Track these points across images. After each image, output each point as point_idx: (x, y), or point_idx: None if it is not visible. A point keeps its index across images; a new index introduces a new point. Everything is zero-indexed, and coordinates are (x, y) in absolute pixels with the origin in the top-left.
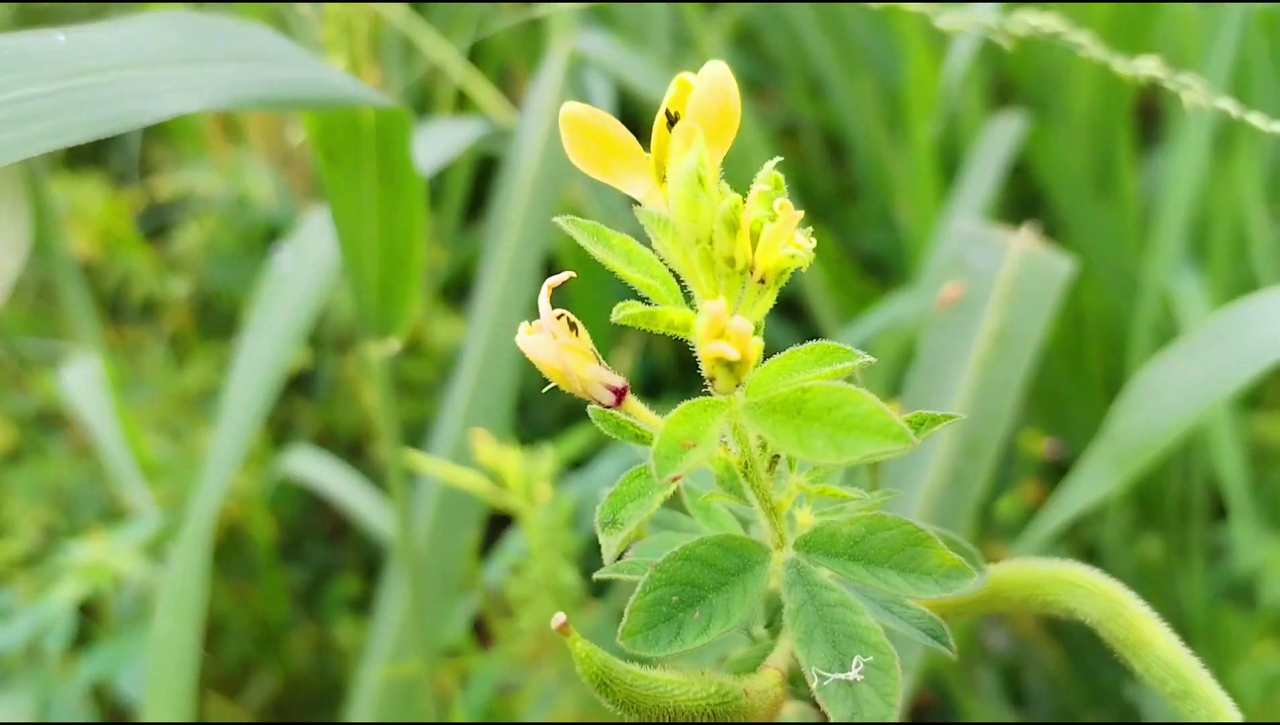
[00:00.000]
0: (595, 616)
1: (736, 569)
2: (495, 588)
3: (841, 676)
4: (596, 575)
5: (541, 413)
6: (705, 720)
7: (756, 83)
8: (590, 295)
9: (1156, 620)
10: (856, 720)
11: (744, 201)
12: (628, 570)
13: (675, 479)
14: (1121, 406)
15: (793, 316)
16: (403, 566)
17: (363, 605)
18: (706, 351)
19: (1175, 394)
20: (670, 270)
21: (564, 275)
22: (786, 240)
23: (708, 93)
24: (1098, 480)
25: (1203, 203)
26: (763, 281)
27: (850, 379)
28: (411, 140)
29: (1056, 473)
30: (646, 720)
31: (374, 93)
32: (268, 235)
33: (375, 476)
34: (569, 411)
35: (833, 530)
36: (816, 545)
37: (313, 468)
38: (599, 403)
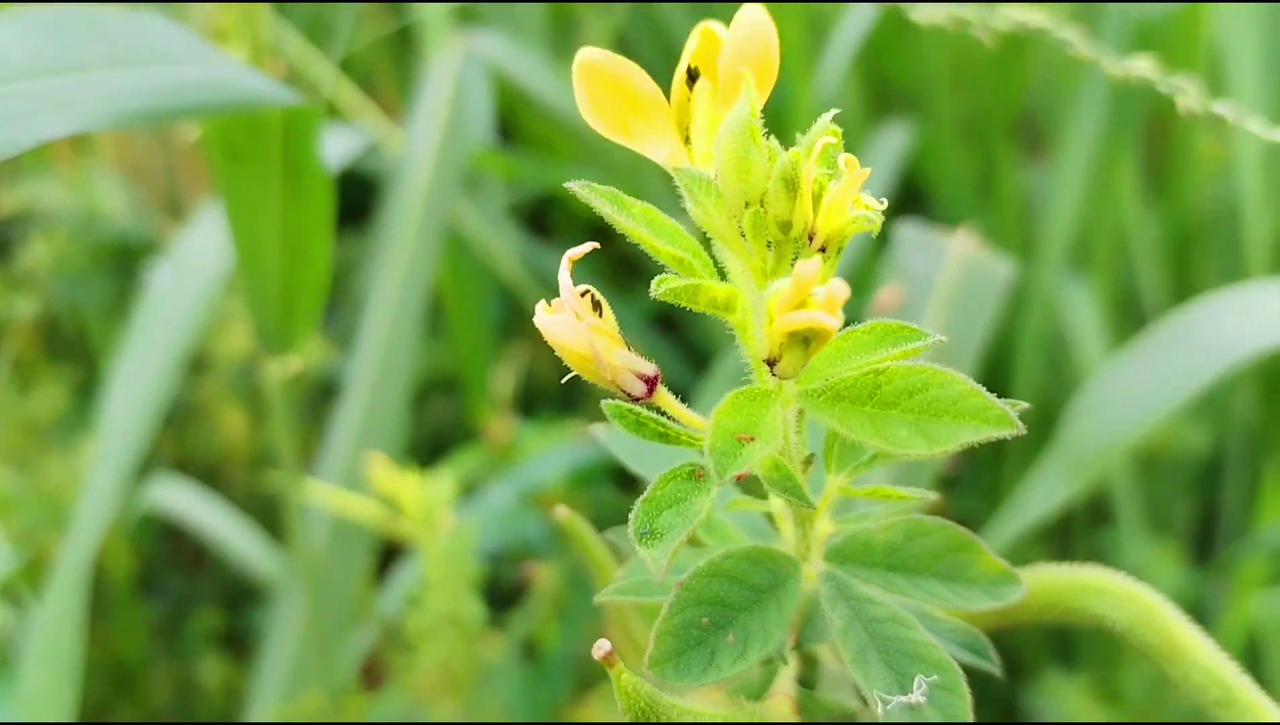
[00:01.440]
0: (497, 650)
1: (768, 585)
2: (389, 620)
3: (905, 700)
4: (597, 599)
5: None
6: None
7: None
8: (467, 307)
9: (1191, 626)
10: None
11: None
12: (631, 592)
13: (740, 477)
14: (1073, 413)
15: (671, 331)
16: (293, 600)
17: (227, 640)
18: (781, 325)
19: (1130, 400)
20: (697, 241)
21: (586, 246)
22: (853, 201)
23: (748, 37)
24: (1053, 489)
25: (1086, 210)
26: (823, 249)
27: None
28: (321, 139)
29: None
30: None
31: (284, 90)
32: (120, 252)
33: (237, 504)
34: (436, 436)
35: (867, 538)
36: (850, 555)
37: (173, 497)
38: (627, 394)
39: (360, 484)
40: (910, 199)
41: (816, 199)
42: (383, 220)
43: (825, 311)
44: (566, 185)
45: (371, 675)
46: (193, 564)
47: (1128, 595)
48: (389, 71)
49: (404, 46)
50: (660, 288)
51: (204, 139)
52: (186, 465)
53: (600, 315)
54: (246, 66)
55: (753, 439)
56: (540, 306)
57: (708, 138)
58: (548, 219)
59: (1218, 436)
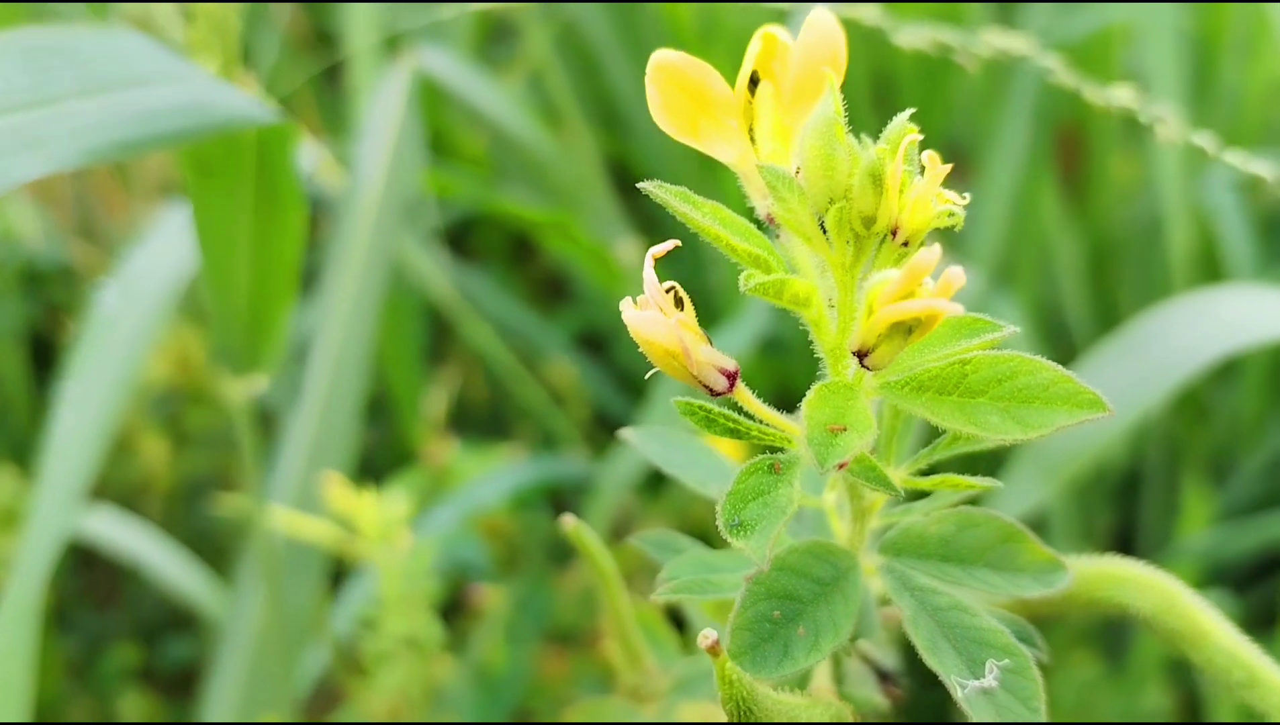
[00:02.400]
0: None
1: (831, 578)
2: (343, 642)
3: (979, 684)
4: (653, 597)
5: None
6: None
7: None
8: (397, 329)
9: (1213, 611)
10: None
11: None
12: (685, 590)
13: (841, 466)
14: None
15: (598, 352)
16: (241, 626)
17: (146, 675)
18: (888, 314)
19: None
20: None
21: (669, 243)
22: (937, 196)
23: (819, 40)
24: (1027, 491)
25: (1010, 229)
26: (906, 244)
27: None
28: (297, 156)
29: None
30: None
31: (262, 108)
32: (30, 277)
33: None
34: (365, 459)
35: (920, 530)
36: (905, 548)
37: (97, 527)
38: (709, 389)
39: (312, 506)
40: None
41: (899, 195)
42: (333, 244)
43: (942, 298)
44: (640, 185)
45: (325, 699)
46: (106, 598)
47: (1150, 584)
48: (310, 95)
49: (327, 69)
50: (750, 283)
51: (175, 153)
52: (102, 495)
53: (682, 310)
54: (221, 83)
55: (845, 429)
56: (626, 303)
57: (773, 139)
58: (469, 241)
59: (1136, 449)
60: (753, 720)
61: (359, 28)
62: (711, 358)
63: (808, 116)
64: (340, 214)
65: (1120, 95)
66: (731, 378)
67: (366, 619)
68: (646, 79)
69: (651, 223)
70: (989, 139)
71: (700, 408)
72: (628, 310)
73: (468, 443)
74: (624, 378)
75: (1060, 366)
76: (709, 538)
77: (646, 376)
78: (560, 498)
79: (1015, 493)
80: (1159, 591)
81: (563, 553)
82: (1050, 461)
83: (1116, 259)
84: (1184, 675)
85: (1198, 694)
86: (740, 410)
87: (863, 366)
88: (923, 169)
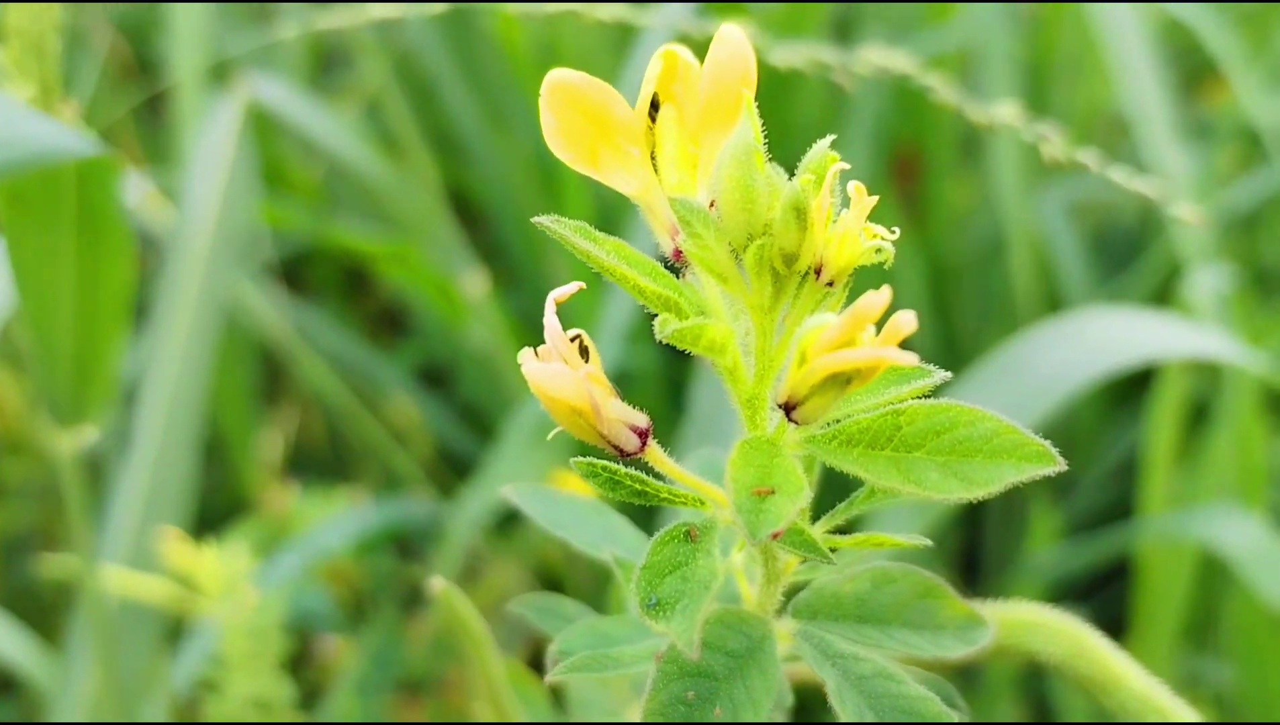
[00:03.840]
0: None
1: (746, 650)
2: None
3: None
4: (549, 678)
5: None
6: None
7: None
8: (228, 369)
9: (1124, 656)
10: None
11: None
12: (583, 668)
13: (774, 536)
14: None
15: (439, 387)
16: (72, 689)
17: None
18: (825, 364)
19: None
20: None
21: (572, 286)
22: (864, 231)
23: (729, 59)
24: (904, 526)
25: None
26: (831, 284)
27: None
28: (121, 190)
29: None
30: None
31: (82, 139)
32: None
33: None
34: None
35: (835, 590)
36: (821, 610)
37: None
38: (620, 449)
39: (147, 563)
40: None
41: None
42: (162, 281)
43: (891, 347)
44: (535, 220)
45: None
46: None
47: (1060, 630)
48: (133, 126)
49: (149, 99)
50: (666, 330)
51: None
52: None
53: (586, 361)
54: (36, 113)
55: (773, 492)
56: (525, 355)
57: (679, 169)
58: (302, 275)
59: None
60: None
61: (184, 55)
62: (622, 414)
63: (718, 144)
64: (169, 249)
65: (1005, 113)
66: (644, 436)
67: (209, 680)
68: (541, 101)
69: (494, 252)
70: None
71: (604, 469)
72: (528, 362)
73: (308, 486)
74: (468, 412)
75: (1003, 417)
76: (563, 583)
77: (496, 414)
78: (407, 539)
79: (891, 528)
80: (1069, 638)
81: (413, 597)
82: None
83: (956, 281)
84: (1034, 687)
85: (1048, 705)
86: (645, 467)
87: (789, 420)
88: (847, 201)
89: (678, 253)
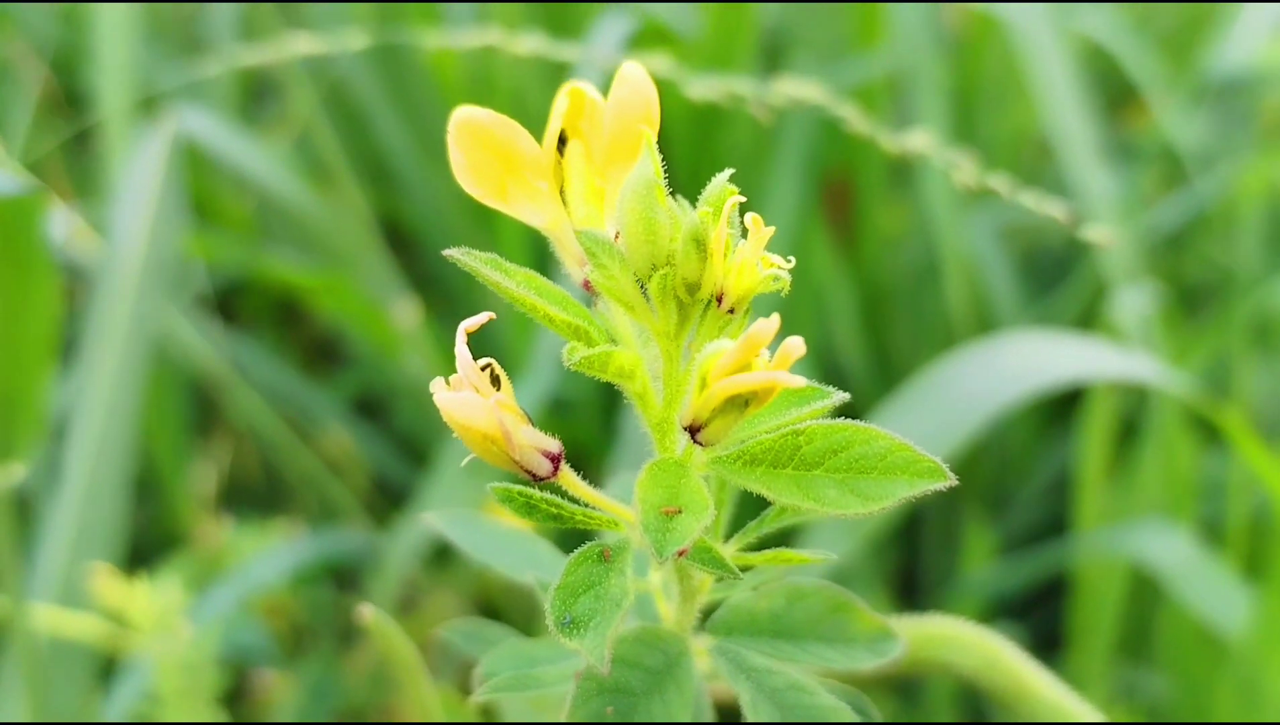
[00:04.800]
0: None
1: (663, 666)
2: None
3: None
4: (473, 698)
5: None
6: None
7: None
8: (159, 402)
9: (1036, 667)
10: None
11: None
12: (506, 688)
13: (681, 554)
14: None
15: (374, 417)
16: None
17: None
18: (724, 388)
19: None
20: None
21: (483, 316)
22: (762, 260)
23: (631, 96)
24: (832, 547)
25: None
26: (732, 311)
27: None
28: (48, 224)
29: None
30: None
31: (8, 178)
32: None
33: None
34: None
35: (750, 607)
36: (736, 626)
37: None
38: (532, 474)
39: (78, 600)
40: None
41: (724, 259)
42: (91, 314)
43: (781, 370)
44: (445, 252)
45: None
46: None
47: (973, 643)
48: (61, 159)
49: (75, 127)
50: (574, 357)
51: None
52: None
53: (499, 389)
54: None
55: (680, 511)
56: (437, 384)
57: (586, 202)
58: (234, 307)
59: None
60: None
61: (112, 87)
62: (534, 440)
63: (623, 177)
64: (98, 282)
65: (919, 141)
66: (555, 460)
67: (143, 716)
68: (449, 138)
69: (426, 281)
70: (759, 190)
71: (520, 494)
72: (439, 392)
73: (242, 519)
74: (403, 443)
75: (896, 434)
76: (500, 612)
77: (432, 444)
78: (344, 571)
79: (821, 545)
80: (982, 650)
81: (350, 629)
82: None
83: (890, 304)
84: (974, 703)
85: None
86: (561, 492)
87: (695, 442)
88: (745, 232)
89: (587, 283)
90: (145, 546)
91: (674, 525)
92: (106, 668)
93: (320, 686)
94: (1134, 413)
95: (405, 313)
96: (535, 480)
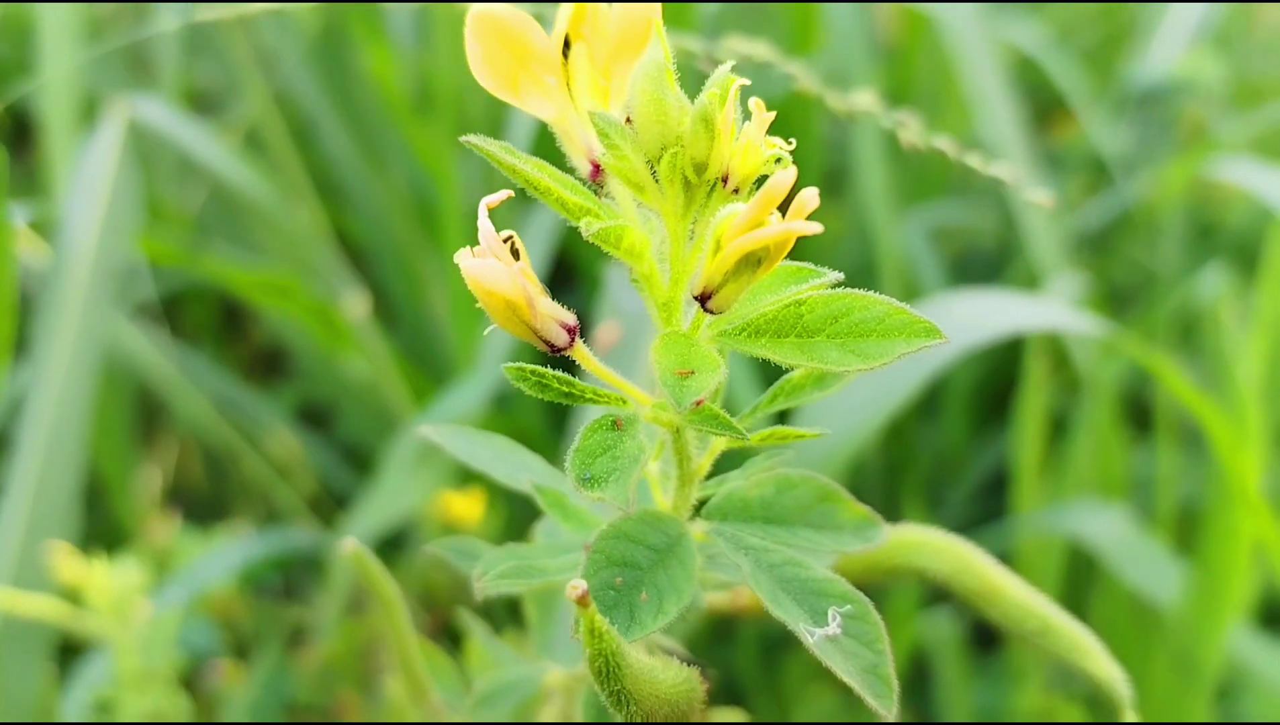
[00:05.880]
0: None
1: (665, 545)
2: None
3: (825, 632)
4: (476, 589)
5: None
6: (678, 709)
7: None
8: (106, 407)
9: (1004, 569)
10: (854, 674)
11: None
12: (510, 576)
13: (698, 404)
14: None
15: (319, 427)
16: None
17: None
18: (740, 245)
19: (846, 411)
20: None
21: (503, 193)
22: (765, 141)
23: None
24: (816, 466)
25: None
26: (736, 191)
27: None
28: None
29: None
30: (630, 713)
31: None
32: None
33: None
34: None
35: (743, 495)
36: (730, 512)
37: None
38: (550, 344)
39: (34, 583)
40: (561, 270)
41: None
42: (41, 305)
43: (800, 220)
44: (465, 139)
45: None
46: None
47: (944, 548)
48: None
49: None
50: (591, 229)
51: None
52: None
53: (517, 261)
54: None
55: (693, 373)
56: (463, 254)
57: (591, 97)
58: (177, 317)
59: (854, 486)
60: (617, 677)
61: (57, 88)
62: (553, 311)
63: (627, 74)
64: (47, 280)
65: (864, 100)
66: (572, 332)
67: (102, 702)
68: (467, 32)
69: (374, 291)
70: None
71: (533, 373)
72: (465, 259)
73: (187, 526)
74: (347, 451)
75: (893, 300)
76: (450, 611)
77: (375, 451)
78: (292, 581)
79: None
80: (953, 554)
81: (297, 637)
82: (809, 464)
83: None
84: (919, 689)
85: (931, 708)
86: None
87: (705, 310)
88: (748, 115)
89: (595, 171)
90: (92, 553)
91: (689, 383)
92: (67, 657)
93: (271, 680)
94: (1066, 409)
95: (353, 306)
96: (552, 351)
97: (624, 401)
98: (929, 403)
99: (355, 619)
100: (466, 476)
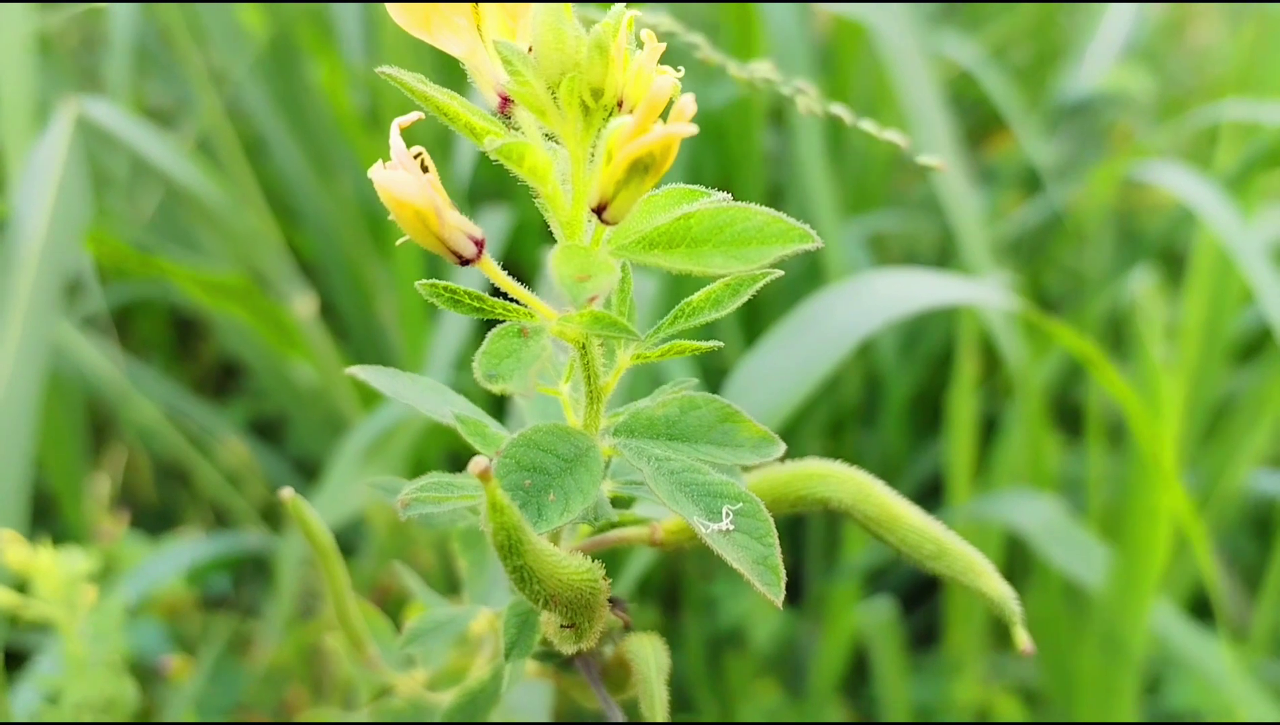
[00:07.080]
0: None
1: (574, 455)
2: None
3: (718, 527)
4: (401, 513)
5: None
6: (582, 597)
7: None
8: (55, 416)
9: (901, 498)
10: (745, 565)
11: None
12: (430, 491)
13: (591, 301)
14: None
15: (271, 440)
16: None
17: None
18: (629, 151)
19: (769, 387)
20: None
21: (414, 115)
22: (656, 70)
23: None
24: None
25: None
26: (631, 114)
27: None
28: None
29: None
30: (534, 592)
31: None
32: None
33: None
34: None
35: (649, 414)
36: (637, 429)
37: None
38: (458, 255)
39: None
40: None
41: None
42: None
43: (678, 123)
44: (379, 70)
45: None
46: None
47: (846, 477)
48: None
49: None
50: (495, 145)
51: None
52: None
53: (429, 175)
54: None
55: (589, 277)
56: (376, 168)
57: (500, 35)
58: (127, 332)
59: None
60: (519, 552)
61: (11, 94)
62: (460, 222)
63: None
64: None
65: (800, 87)
66: (479, 245)
67: (51, 693)
68: None
69: (324, 305)
70: None
71: (446, 288)
72: (377, 172)
73: (136, 535)
74: (299, 464)
75: (772, 211)
76: (398, 615)
77: (323, 463)
78: (241, 592)
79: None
80: (854, 483)
81: (245, 642)
82: None
83: (769, 311)
84: (857, 691)
85: (871, 711)
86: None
87: (602, 221)
88: (641, 45)
89: (503, 103)
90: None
91: (586, 285)
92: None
93: (220, 675)
94: (999, 413)
95: (301, 305)
96: (461, 262)
97: (532, 316)
98: (869, 408)
99: (307, 623)
100: (414, 474)
